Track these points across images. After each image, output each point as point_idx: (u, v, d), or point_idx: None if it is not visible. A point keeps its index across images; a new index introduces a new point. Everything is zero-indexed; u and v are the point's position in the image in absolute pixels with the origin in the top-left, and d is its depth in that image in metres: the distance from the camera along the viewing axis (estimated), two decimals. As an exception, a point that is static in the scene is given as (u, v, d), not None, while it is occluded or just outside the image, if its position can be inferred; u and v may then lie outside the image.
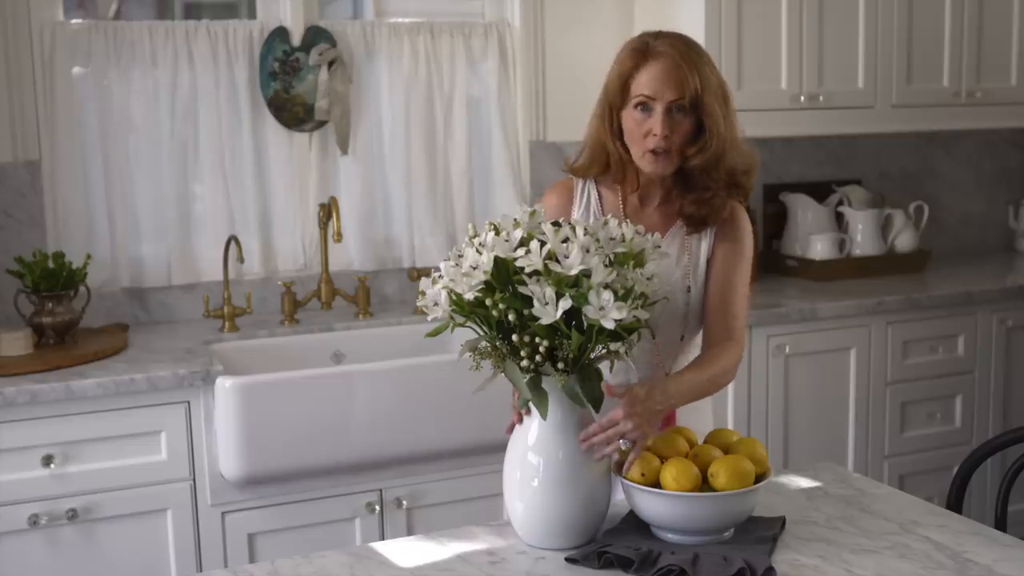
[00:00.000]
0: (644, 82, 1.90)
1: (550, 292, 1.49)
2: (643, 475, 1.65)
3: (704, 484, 1.64)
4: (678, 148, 1.92)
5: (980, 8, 3.69)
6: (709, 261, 2.01)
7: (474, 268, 1.53)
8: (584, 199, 2.03)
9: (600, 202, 2.03)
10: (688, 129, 1.91)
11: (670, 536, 1.65)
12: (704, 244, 2.01)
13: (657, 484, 1.64)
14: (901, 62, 3.59)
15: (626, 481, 1.66)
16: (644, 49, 1.93)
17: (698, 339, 2.05)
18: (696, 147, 1.92)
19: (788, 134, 3.65)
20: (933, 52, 3.64)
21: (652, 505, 1.64)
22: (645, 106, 1.90)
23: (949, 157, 4.24)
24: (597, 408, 1.60)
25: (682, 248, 2.00)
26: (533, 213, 1.59)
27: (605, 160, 1.99)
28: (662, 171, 1.93)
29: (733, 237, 2.01)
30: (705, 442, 1.75)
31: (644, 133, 1.91)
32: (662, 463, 1.66)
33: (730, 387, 3.20)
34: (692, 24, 3.30)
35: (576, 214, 2.03)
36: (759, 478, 1.66)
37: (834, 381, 3.36)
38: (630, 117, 1.93)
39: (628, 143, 1.95)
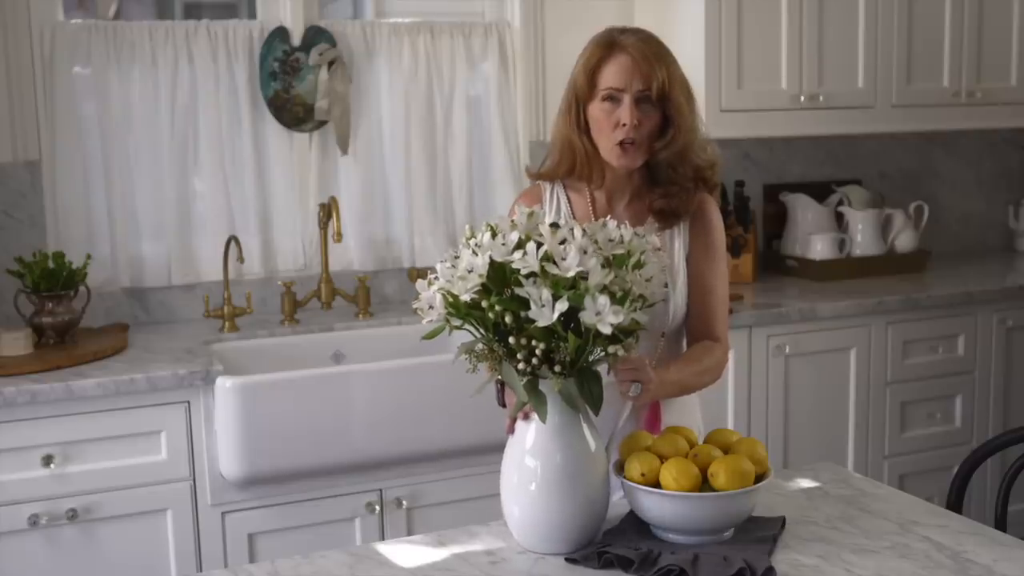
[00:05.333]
0: (612, 74, 1.92)
1: (547, 294, 1.48)
2: (643, 475, 1.65)
3: (704, 484, 1.64)
4: (646, 141, 1.94)
5: (980, 8, 3.69)
6: (687, 260, 2.02)
7: (470, 271, 1.52)
8: (553, 204, 2.04)
9: (570, 205, 2.03)
10: (656, 122, 1.94)
11: (670, 536, 1.65)
12: (678, 242, 2.02)
13: (657, 484, 1.64)
14: (901, 62, 3.59)
15: (626, 481, 1.66)
16: (610, 42, 1.95)
17: (679, 337, 2.07)
18: (663, 141, 1.94)
19: (788, 134, 3.65)
20: (933, 52, 3.64)
21: (652, 505, 1.64)
22: (613, 98, 1.92)
23: (949, 157, 4.24)
24: (596, 410, 1.59)
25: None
26: (531, 215, 1.58)
27: (572, 158, 1.99)
28: (630, 164, 1.95)
29: (704, 233, 2.03)
30: (705, 442, 1.75)
31: (613, 124, 1.92)
32: (662, 463, 1.66)
33: (730, 387, 3.21)
34: (692, 24, 3.31)
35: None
36: (759, 478, 1.66)
37: (834, 381, 3.36)
38: (598, 109, 1.94)
39: (595, 137, 1.96)
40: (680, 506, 1.62)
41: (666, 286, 1.98)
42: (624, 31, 1.97)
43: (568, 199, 2.04)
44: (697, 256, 2.02)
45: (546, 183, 2.06)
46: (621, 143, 1.92)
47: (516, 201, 2.10)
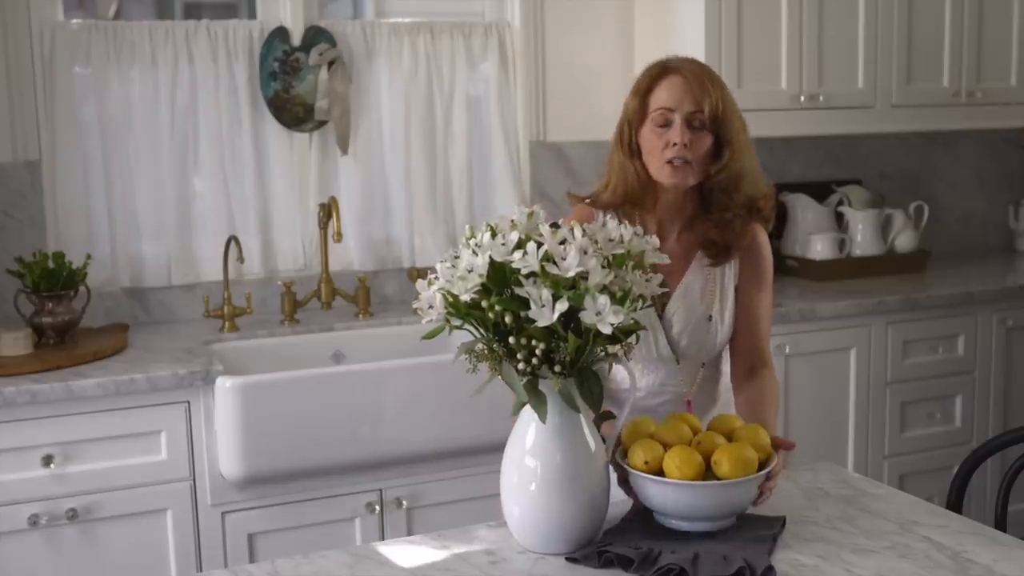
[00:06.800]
0: (662, 95, 1.92)
1: (546, 294, 1.48)
2: (646, 462, 1.65)
3: (707, 472, 1.64)
4: (699, 163, 1.92)
5: (980, 8, 3.69)
6: (736, 290, 2.04)
7: (469, 271, 1.52)
8: None
9: None
10: (708, 146, 1.92)
11: (673, 523, 1.66)
12: (729, 273, 2.03)
13: (660, 471, 1.64)
14: (901, 62, 3.59)
15: (630, 469, 1.66)
16: (662, 65, 1.95)
17: (719, 364, 2.09)
18: (718, 165, 1.93)
19: (788, 134, 3.65)
20: (933, 52, 3.64)
21: (655, 492, 1.64)
22: (664, 120, 1.91)
23: (949, 157, 4.24)
24: (596, 410, 1.59)
25: (706, 280, 2.02)
26: (531, 214, 1.58)
27: (625, 183, 1.98)
28: (682, 182, 1.93)
29: (755, 264, 2.04)
30: (708, 429, 1.75)
31: (663, 145, 1.91)
32: (665, 450, 1.66)
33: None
34: (692, 25, 3.31)
35: None
36: (762, 465, 1.67)
37: (834, 381, 3.36)
38: (649, 132, 1.93)
39: (647, 159, 1.95)
40: (684, 494, 1.62)
41: (710, 319, 2.00)
42: (676, 57, 1.97)
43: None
44: (747, 286, 2.04)
45: (598, 209, 2.04)
46: (671, 162, 1.91)
47: (567, 221, 2.08)
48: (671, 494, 1.63)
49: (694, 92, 1.90)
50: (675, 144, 1.90)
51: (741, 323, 2.04)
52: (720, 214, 1.97)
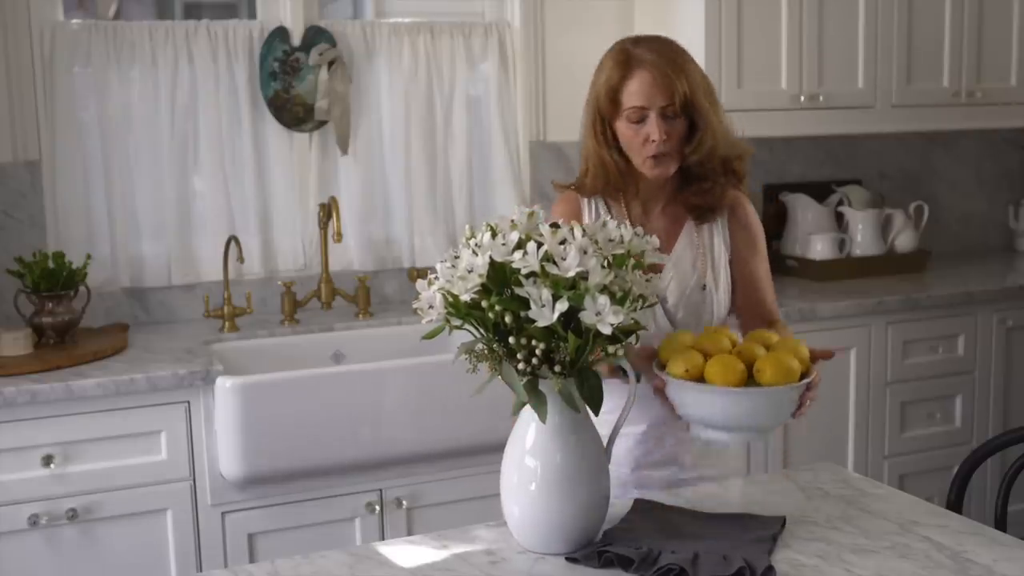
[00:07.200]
0: (634, 93, 1.94)
1: (546, 294, 1.48)
2: (687, 371, 1.64)
3: (748, 380, 1.64)
4: (677, 149, 1.97)
5: (980, 8, 3.69)
6: (732, 262, 2.07)
7: (469, 271, 1.52)
8: (593, 212, 2.06)
9: (609, 213, 2.06)
10: (682, 130, 1.97)
11: (711, 433, 1.65)
12: (718, 240, 2.06)
13: (701, 381, 1.63)
14: (901, 62, 3.59)
15: (671, 378, 1.66)
16: (627, 59, 1.96)
17: None
18: (692, 146, 1.97)
19: (788, 134, 3.65)
20: (933, 52, 3.65)
21: (697, 400, 1.63)
22: (639, 116, 1.94)
23: (949, 157, 4.24)
24: (596, 411, 1.59)
25: (696, 249, 2.04)
26: (531, 215, 1.58)
27: (606, 174, 2.02)
28: (664, 173, 1.98)
29: (744, 228, 2.09)
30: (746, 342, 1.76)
31: (642, 140, 1.95)
32: (706, 360, 1.66)
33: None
34: (692, 24, 3.31)
35: None
36: (802, 376, 1.66)
37: (834, 381, 3.36)
38: (625, 127, 1.97)
39: (627, 151, 2.00)
40: (726, 401, 1.61)
41: (704, 288, 2.02)
42: (638, 42, 1.98)
43: (607, 207, 2.06)
44: (741, 252, 2.08)
45: (584, 196, 2.08)
46: (653, 156, 1.95)
47: (555, 206, 2.10)
48: (714, 401, 1.61)
49: (663, 86, 1.92)
50: (654, 141, 1.94)
51: (744, 290, 2.08)
52: (699, 184, 2.02)
